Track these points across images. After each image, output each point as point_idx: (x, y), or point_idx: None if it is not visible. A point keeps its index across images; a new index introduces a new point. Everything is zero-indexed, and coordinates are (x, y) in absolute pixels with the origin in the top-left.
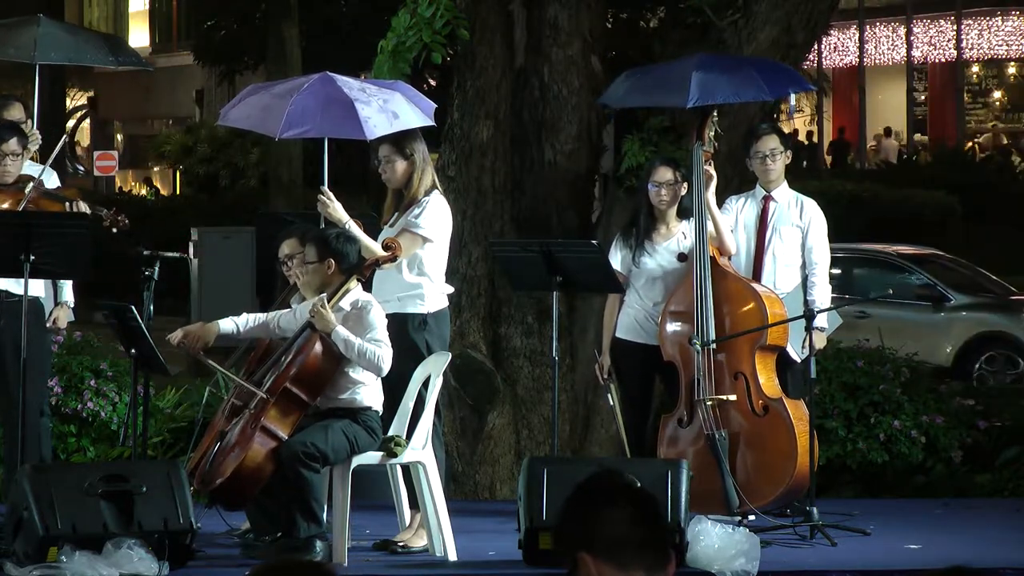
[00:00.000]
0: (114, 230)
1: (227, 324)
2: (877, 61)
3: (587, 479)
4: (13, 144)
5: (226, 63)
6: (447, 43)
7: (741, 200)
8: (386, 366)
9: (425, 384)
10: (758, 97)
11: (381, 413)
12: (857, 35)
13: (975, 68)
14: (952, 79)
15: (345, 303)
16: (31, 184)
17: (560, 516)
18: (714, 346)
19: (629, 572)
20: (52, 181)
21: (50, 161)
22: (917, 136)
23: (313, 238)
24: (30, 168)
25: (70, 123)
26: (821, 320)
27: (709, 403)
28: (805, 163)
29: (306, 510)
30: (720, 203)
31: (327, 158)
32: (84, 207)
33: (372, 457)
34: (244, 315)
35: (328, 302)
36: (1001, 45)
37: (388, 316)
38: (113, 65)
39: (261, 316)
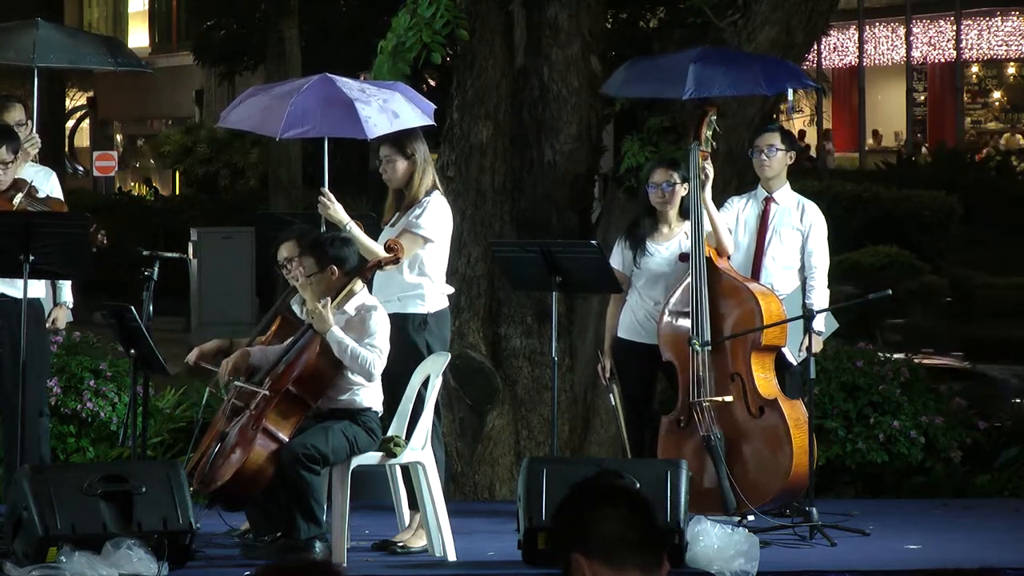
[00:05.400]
0: (93, 248)
1: (255, 350)
2: (877, 61)
3: (582, 480)
4: (3, 152)
5: (226, 63)
6: (447, 43)
7: (742, 200)
8: (376, 372)
9: (425, 384)
10: (755, 91)
11: (380, 414)
12: (857, 35)
13: (974, 68)
14: (952, 79)
15: (351, 307)
16: (19, 195)
17: (554, 517)
18: (710, 347)
19: (624, 573)
20: (52, 182)
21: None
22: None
23: (309, 247)
24: (30, 170)
25: (69, 123)
26: (818, 324)
27: (706, 404)
28: (808, 162)
29: (306, 511)
30: (720, 203)
31: (327, 159)
32: None
33: (372, 457)
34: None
35: (331, 303)
36: (1000, 45)
37: (388, 316)
38: (112, 67)
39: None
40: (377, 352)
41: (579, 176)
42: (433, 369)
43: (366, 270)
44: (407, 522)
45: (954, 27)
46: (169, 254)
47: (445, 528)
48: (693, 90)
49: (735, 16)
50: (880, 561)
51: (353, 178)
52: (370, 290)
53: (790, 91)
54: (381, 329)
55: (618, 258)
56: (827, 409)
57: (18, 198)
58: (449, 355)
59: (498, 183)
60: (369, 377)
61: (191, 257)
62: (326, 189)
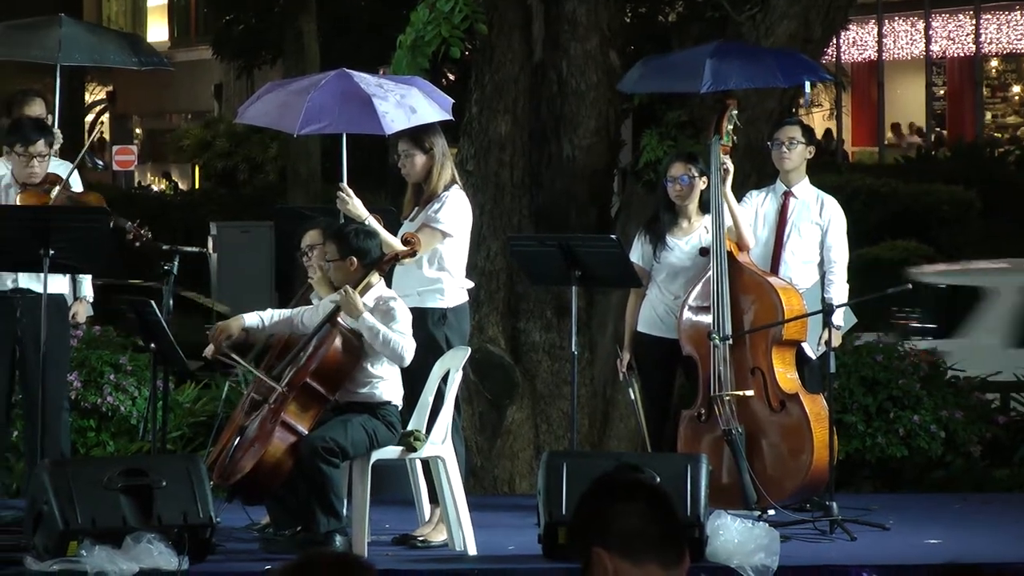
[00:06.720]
0: (136, 244)
1: (252, 318)
2: (896, 56)
3: (601, 475)
4: (40, 146)
5: (244, 58)
6: (465, 37)
7: (761, 195)
8: (408, 355)
9: (444, 379)
10: (772, 83)
11: (400, 408)
12: (875, 30)
13: (994, 62)
14: (971, 74)
15: (369, 299)
16: (57, 188)
17: (575, 511)
18: (731, 341)
19: (644, 567)
20: (73, 176)
21: (77, 161)
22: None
23: (333, 235)
24: (54, 165)
25: (89, 117)
26: (837, 318)
27: (727, 398)
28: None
29: (326, 505)
30: (739, 197)
31: (345, 154)
32: None
33: (392, 452)
34: (268, 311)
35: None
36: (1020, 39)
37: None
38: (135, 66)
39: (285, 312)
40: (407, 337)
41: (598, 171)
42: (453, 363)
43: (383, 263)
44: (427, 516)
45: (973, 21)
46: (189, 248)
47: (465, 522)
48: (711, 83)
49: (753, 10)
50: (900, 556)
51: (372, 173)
52: (389, 284)
53: (807, 84)
54: (404, 317)
55: (638, 252)
56: (847, 404)
57: (55, 191)
58: (469, 349)
59: (517, 178)
60: (401, 361)
61: (210, 251)
62: (344, 184)
